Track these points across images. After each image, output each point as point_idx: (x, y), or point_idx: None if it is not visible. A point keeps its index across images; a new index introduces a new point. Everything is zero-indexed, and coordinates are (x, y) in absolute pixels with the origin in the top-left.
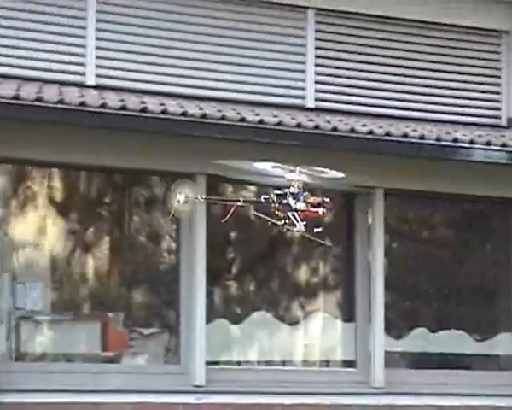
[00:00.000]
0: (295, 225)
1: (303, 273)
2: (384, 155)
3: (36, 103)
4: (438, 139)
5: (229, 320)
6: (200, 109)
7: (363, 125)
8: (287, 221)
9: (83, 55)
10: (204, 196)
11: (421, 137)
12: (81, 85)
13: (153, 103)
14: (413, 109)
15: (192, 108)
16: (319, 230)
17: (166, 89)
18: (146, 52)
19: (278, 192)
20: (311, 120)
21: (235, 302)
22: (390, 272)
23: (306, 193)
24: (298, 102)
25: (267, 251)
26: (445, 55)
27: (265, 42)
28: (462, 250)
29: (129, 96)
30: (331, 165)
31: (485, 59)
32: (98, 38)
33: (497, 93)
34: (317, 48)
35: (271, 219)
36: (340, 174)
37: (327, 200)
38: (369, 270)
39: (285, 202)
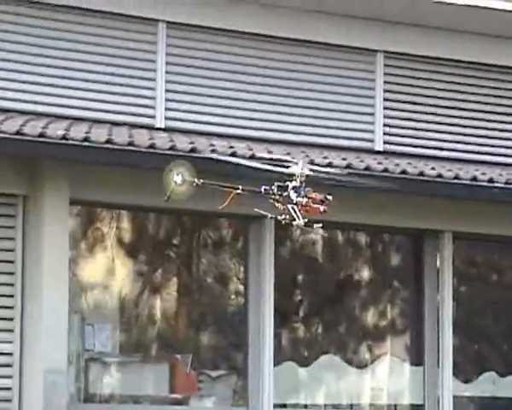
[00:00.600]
0: (294, 219)
1: (371, 316)
2: (453, 198)
3: (106, 145)
4: (507, 183)
5: (297, 363)
6: (270, 152)
7: (432, 169)
8: (287, 216)
9: (153, 98)
10: (202, 180)
11: (491, 181)
12: (151, 128)
13: (222, 146)
14: (482, 153)
15: (261, 151)
16: (319, 226)
17: (235, 131)
18: (215, 95)
19: (279, 184)
20: (379, 163)
21: (302, 345)
22: (458, 315)
23: (308, 188)
24: (366, 145)
25: (335, 294)
26: None
27: (335, 85)
28: None
29: (198, 138)
30: (400, 208)
31: None
32: (168, 81)
33: None
34: (385, 91)
35: (271, 214)
36: (345, 171)
37: (329, 197)
38: (437, 313)
39: (286, 194)
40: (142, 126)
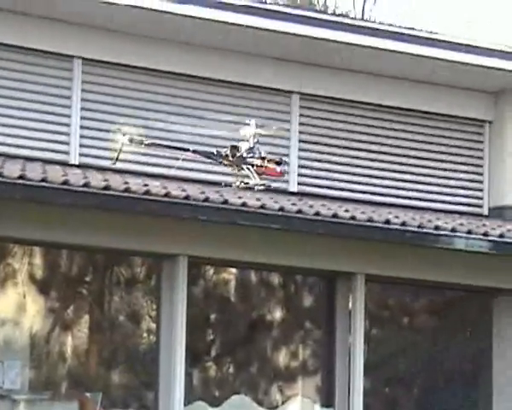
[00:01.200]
0: (251, 179)
1: (282, 357)
2: (366, 240)
3: (19, 181)
4: (420, 226)
5: (207, 403)
6: (183, 191)
7: (346, 211)
8: (241, 182)
9: (67, 134)
10: (150, 142)
11: (404, 224)
12: (65, 164)
13: (136, 183)
14: (396, 196)
15: (175, 189)
16: (281, 179)
17: (149, 169)
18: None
19: (233, 144)
20: (293, 204)
21: (213, 384)
22: (370, 357)
23: (263, 150)
24: (280, 185)
25: (247, 333)
26: (428, 142)
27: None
28: (442, 337)
29: (112, 175)
30: (313, 250)
31: (467, 148)
32: (83, 118)
33: (480, 182)
34: (300, 132)
35: (224, 182)
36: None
37: (285, 159)
38: (349, 355)
39: (239, 155)
40: (56, 162)
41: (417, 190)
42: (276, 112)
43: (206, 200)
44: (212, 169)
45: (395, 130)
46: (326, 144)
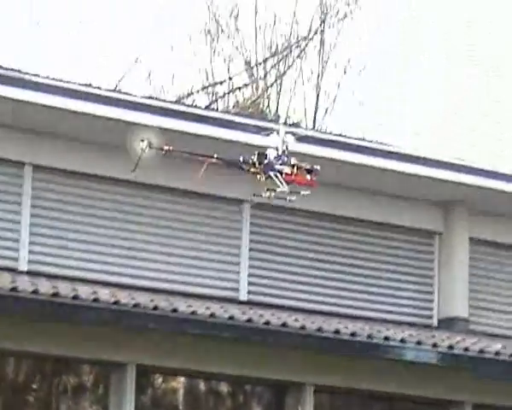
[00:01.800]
0: (278, 187)
1: None
2: (316, 350)
3: None
4: (369, 337)
5: None
6: (133, 299)
7: (296, 320)
8: (269, 193)
9: (16, 241)
10: (171, 148)
11: (353, 335)
12: (14, 271)
13: (85, 292)
14: (346, 306)
15: (125, 298)
16: (307, 192)
17: (99, 277)
18: (81, 239)
19: (260, 151)
20: (243, 313)
21: None
22: None
23: (293, 157)
24: (231, 294)
25: None
26: (378, 253)
27: (203, 233)
28: None
29: (60, 283)
30: (262, 359)
31: (417, 259)
32: (32, 224)
33: (430, 293)
34: (251, 241)
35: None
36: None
37: (317, 167)
38: None
39: (266, 161)
40: (4, 269)
41: (367, 301)
42: (228, 221)
43: (156, 308)
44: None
45: (346, 240)
46: (277, 254)
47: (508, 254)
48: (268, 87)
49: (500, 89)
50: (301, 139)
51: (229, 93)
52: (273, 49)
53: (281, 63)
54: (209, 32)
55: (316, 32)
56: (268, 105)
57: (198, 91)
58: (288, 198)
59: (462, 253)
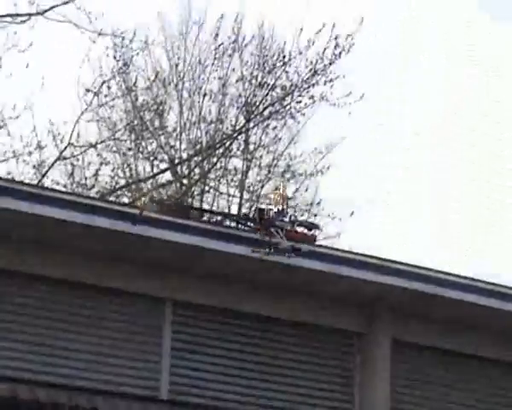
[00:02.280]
0: (277, 246)
1: None
2: None
3: None
4: None
5: None
6: (52, 398)
7: None
8: (268, 248)
9: None
10: (169, 203)
11: None
12: None
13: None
14: (266, 406)
15: (44, 397)
16: (311, 248)
17: (18, 374)
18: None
19: (260, 207)
20: None
21: None
22: None
23: (293, 213)
24: (152, 393)
25: None
26: (299, 353)
27: (121, 331)
28: None
29: None
30: None
31: (338, 359)
32: None
33: (350, 394)
34: (173, 340)
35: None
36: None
37: (317, 223)
38: None
39: (267, 217)
40: None
41: (287, 401)
42: (149, 318)
43: (77, 407)
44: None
45: (267, 339)
46: (199, 352)
47: (430, 356)
48: (192, 185)
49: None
50: (223, 237)
51: (152, 191)
52: (197, 147)
53: (205, 161)
54: (133, 129)
55: (240, 131)
56: (192, 203)
57: (122, 188)
58: (287, 254)
59: (383, 354)
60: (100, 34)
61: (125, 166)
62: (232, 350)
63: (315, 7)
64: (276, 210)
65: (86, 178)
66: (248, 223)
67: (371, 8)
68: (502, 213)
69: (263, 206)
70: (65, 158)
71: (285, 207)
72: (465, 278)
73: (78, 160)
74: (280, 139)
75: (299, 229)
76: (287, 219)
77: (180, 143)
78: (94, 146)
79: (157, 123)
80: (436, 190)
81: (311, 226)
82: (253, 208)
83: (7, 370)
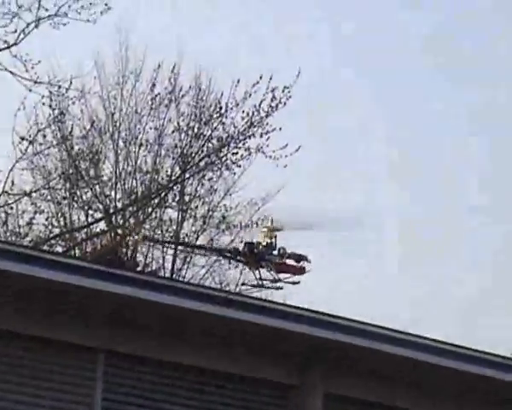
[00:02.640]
0: (264, 280)
1: None
2: None
3: None
4: None
5: None
6: None
7: None
8: (259, 281)
9: None
10: (166, 240)
11: None
12: None
13: None
14: None
15: None
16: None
17: None
18: None
19: (249, 241)
20: None
21: None
22: None
23: (282, 246)
24: None
25: None
26: (232, 405)
27: (53, 381)
28: None
29: None
30: None
31: None
32: None
33: None
34: (104, 390)
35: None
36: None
37: (306, 255)
38: None
39: (256, 251)
40: None
41: None
42: (82, 370)
43: None
44: None
45: (200, 391)
46: (131, 403)
47: (359, 409)
48: (126, 235)
49: None
50: (158, 288)
51: (86, 240)
52: (132, 197)
53: (140, 211)
54: (68, 178)
55: (176, 182)
56: (126, 253)
57: (56, 237)
58: (277, 285)
59: (315, 407)
60: (36, 82)
61: (60, 215)
62: (164, 401)
63: (252, 59)
64: (264, 243)
65: (20, 227)
66: (238, 257)
67: (309, 61)
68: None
69: (252, 240)
70: None
71: (273, 240)
72: (400, 332)
73: (11, 208)
74: (215, 190)
75: (289, 261)
76: (276, 252)
77: (115, 193)
78: (28, 194)
79: (92, 172)
80: None
81: (300, 258)
82: (243, 243)
83: None
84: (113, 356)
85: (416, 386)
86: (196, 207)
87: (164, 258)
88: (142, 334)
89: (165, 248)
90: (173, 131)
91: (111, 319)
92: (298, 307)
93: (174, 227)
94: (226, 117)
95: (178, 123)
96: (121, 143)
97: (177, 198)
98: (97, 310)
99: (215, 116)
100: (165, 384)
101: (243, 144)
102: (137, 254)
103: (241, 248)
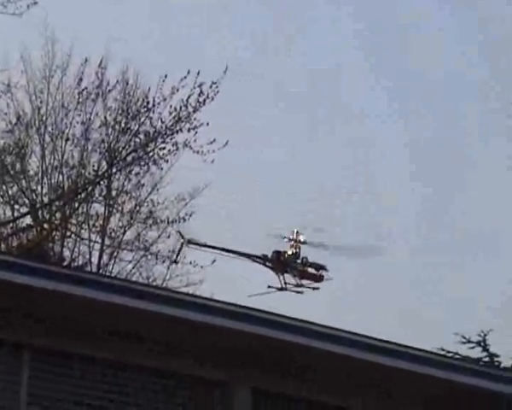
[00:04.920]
0: (287, 285)
1: None
2: None
3: None
4: None
5: None
6: None
7: None
8: (284, 284)
9: None
10: (206, 243)
11: None
12: None
13: None
14: None
15: None
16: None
17: None
18: None
19: (277, 250)
20: None
21: None
22: None
23: (305, 256)
24: None
25: None
26: (159, 401)
27: None
28: None
29: None
30: None
31: (198, 408)
32: None
33: None
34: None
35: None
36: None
37: (324, 265)
38: None
39: (282, 259)
40: None
41: None
42: (5, 365)
43: None
44: None
45: (128, 386)
46: (56, 398)
47: (288, 406)
48: (53, 230)
49: None
50: (85, 283)
51: (12, 235)
52: (59, 192)
53: (66, 206)
54: None
55: (103, 177)
56: (52, 248)
57: None
58: (299, 290)
59: (244, 403)
60: None
61: None
62: (88, 396)
63: (180, 54)
64: (290, 252)
65: None
66: (267, 263)
67: (235, 57)
68: None
69: (279, 249)
70: None
71: (298, 250)
72: (332, 328)
73: None
74: (143, 185)
75: (310, 269)
76: (299, 261)
77: (41, 188)
78: None
79: (18, 167)
80: None
81: (320, 267)
82: (272, 251)
83: None
84: (38, 352)
85: (346, 381)
86: (123, 202)
87: (90, 253)
88: (67, 329)
89: (91, 243)
90: (100, 126)
91: (33, 315)
92: (223, 302)
93: (101, 222)
94: (153, 112)
95: (105, 117)
96: (48, 138)
97: (104, 193)
98: (21, 305)
99: (142, 111)
100: (90, 380)
101: (171, 139)
102: (63, 250)
103: (269, 255)
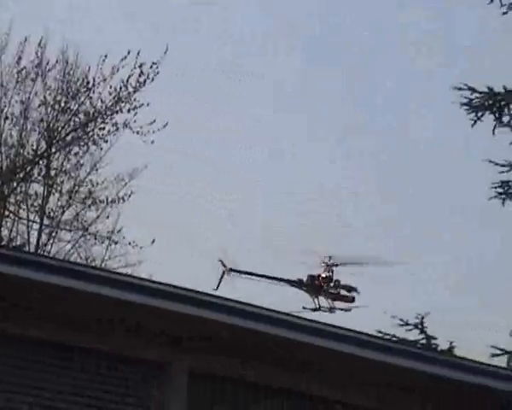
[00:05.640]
0: (321, 307)
1: None
2: None
3: None
4: None
5: None
6: None
7: None
8: (319, 304)
9: None
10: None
11: None
12: None
13: None
14: None
15: None
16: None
17: None
18: None
19: (311, 275)
20: None
21: None
22: None
23: (337, 279)
24: None
25: None
26: (102, 382)
27: None
28: None
29: None
30: None
31: (138, 389)
32: None
33: None
34: None
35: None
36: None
37: (355, 287)
38: None
39: (317, 283)
40: None
41: None
42: None
43: None
44: None
45: (73, 369)
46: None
47: (223, 387)
48: None
49: None
50: (23, 263)
51: None
52: None
53: (5, 186)
54: None
55: (42, 156)
56: None
57: None
58: (331, 311)
59: (180, 384)
60: None
61: None
62: (33, 379)
63: (121, 34)
64: (324, 276)
65: None
66: (302, 287)
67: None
68: None
69: (312, 274)
70: None
71: (331, 274)
72: (274, 311)
73: None
74: (82, 165)
75: (342, 292)
76: (332, 284)
77: None
78: None
79: None
80: None
81: (351, 289)
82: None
83: None
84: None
85: (289, 364)
86: (62, 181)
87: (29, 233)
88: (9, 309)
89: (30, 223)
90: (39, 105)
91: None
92: (169, 285)
93: (39, 202)
94: (93, 92)
95: (45, 97)
96: None
97: (43, 173)
98: None
99: (82, 91)
100: (34, 362)
101: (110, 119)
102: (1, 229)
103: (304, 280)
